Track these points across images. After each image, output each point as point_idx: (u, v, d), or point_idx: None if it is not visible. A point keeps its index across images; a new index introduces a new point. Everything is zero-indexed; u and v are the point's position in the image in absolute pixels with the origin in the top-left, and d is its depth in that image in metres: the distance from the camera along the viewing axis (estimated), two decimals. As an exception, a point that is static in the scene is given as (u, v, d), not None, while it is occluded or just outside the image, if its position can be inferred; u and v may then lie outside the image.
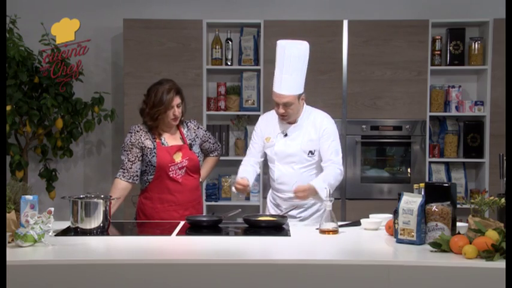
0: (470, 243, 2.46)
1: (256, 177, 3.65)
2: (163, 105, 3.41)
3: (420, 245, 2.67)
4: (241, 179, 3.48)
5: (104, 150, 5.47)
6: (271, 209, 3.67)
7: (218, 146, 3.80)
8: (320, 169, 3.54)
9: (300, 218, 3.54)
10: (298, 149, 3.51)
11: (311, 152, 3.51)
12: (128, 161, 3.45)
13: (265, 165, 3.79)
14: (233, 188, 3.59)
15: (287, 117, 3.50)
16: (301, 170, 3.51)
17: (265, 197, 4.90)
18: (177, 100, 3.45)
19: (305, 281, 2.40)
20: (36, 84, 4.93)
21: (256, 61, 5.16)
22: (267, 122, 3.65)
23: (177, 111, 3.46)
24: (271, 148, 3.57)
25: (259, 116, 5.02)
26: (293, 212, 3.52)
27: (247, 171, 3.58)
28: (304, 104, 3.58)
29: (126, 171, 3.45)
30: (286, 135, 3.55)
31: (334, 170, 3.47)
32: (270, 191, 3.73)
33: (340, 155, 3.55)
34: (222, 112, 5.19)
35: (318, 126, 3.52)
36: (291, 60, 3.44)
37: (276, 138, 3.56)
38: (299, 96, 3.48)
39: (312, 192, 3.37)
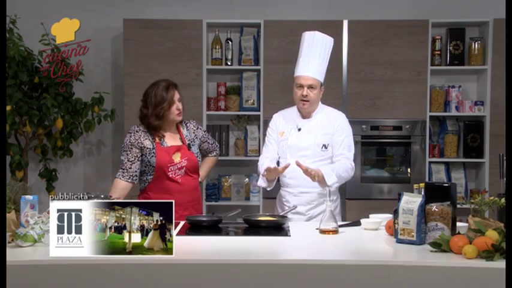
0: (470, 243, 2.46)
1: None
2: (167, 102, 3.43)
3: (420, 245, 2.67)
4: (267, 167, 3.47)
5: (104, 150, 5.47)
6: (279, 208, 3.66)
7: (217, 146, 3.81)
8: (331, 164, 3.54)
9: (308, 216, 3.54)
10: (312, 143, 3.53)
11: (324, 146, 3.53)
12: (128, 161, 3.46)
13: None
14: (259, 182, 3.58)
15: (308, 103, 3.53)
16: (313, 164, 3.49)
17: (265, 197, 4.94)
18: (177, 95, 3.50)
19: (305, 281, 2.41)
20: (36, 84, 4.93)
21: (256, 61, 5.16)
22: (282, 118, 3.69)
23: (179, 105, 3.49)
24: (285, 142, 3.59)
25: (259, 116, 5.07)
26: (301, 209, 3.52)
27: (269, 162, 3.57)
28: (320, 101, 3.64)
29: (125, 171, 3.46)
30: (299, 129, 3.57)
31: (345, 163, 3.50)
32: (280, 190, 3.71)
33: (353, 151, 3.58)
34: (222, 112, 5.20)
35: (332, 121, 3.57)
36: (318, 45, 3.53)
37: (290, 132, 3.58)
38: (321, 84, 3.55)
39: (319, 175, 3.38)
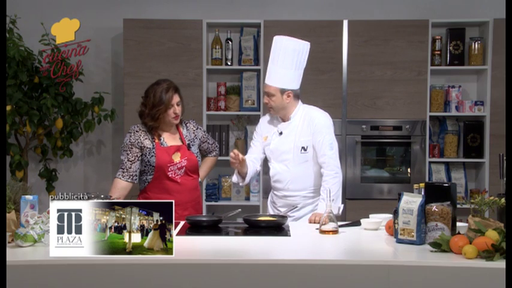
0: (470, 243, 2.46)
1: (254, 172, 3.64)
2: (164, 105, 3.42)
3: (420, 245, 2.67)
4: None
5: (104, 150, 5.47)
6: (270, 208, 3.71)
7: (216, 146, 3.81)
8: (315, 165, 3.54)
9: (293, 218, 3.55)
10: (292, 146, 3.53)
11: (304, 148, 3.52)
12: (128, 160, 3.46)
13: (265, 165, 3.80)
14: (233, 178, 3.62)
15: (271, 109, 3.56)
16: (295, 167, 3.53)
17: (265, 197, 4.94)
18: (176, 98, 3.47)
19: (305, 281, 2.41)
20: (36, 84, 4.93)
21: (256, 61, 5.16)
22: (266, 122, 3.69)
23: (177, 109, 3.47)
24: (268, 147, 3.60)
25: (259, 116, 5.07)
26: (286, 211, 3.54)
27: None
28: (300, 103, 3.60)
29: (125, 170, 3.45)
30: (281, 133, 3.57)
31: (329, 179, 3.46)
32: (270, 192, 3.75)
33: (335, 149, 3.53)
34: (222, 112, 5.20)
35: (310, 122, 3.54)
36: (280, 52, 3.49)
37: (272, 137, 3.59)
38: (282, 91, 3.50)
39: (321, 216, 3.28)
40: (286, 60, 3.48)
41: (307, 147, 3.52)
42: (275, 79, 3.51)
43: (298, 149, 3.53)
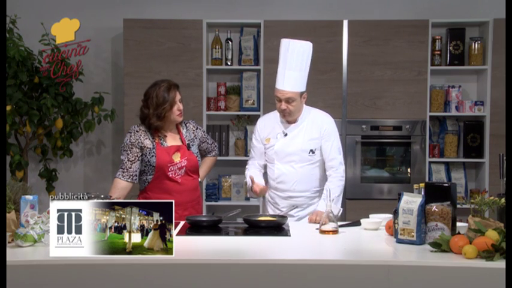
0: (470, 243, 2.46)
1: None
2: (168, 103, 3.43)
3: (420, 245, 2.67)
4: (256, 183, 3.53)
5: (103, 150, 5.48)
6: (269, 208, 3.68)
7: (216, 146, 3.81)
8: (320, 166, 3.56)
9: (297, 217, 3.55)
10: (299, 148, 3.53)
11: (312, 151, 3.53)
12: (128, 160, 3.46)
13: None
14: (248, 194, 3.69)
15: (288, 115, 3.51)
16: (301, 168, 3.54)
17: (265, 198, 4.93)
18: (178, 95, 3.50)
19: (305, 281, 2.41)
20: (36, 84, 4.94)
21: (256, 61, 5.16)
22: (266, 124, 3.67)
23: (180, 106, 3.50)
24: (271, 148, 3.58)
25: (259, 116, 5.06)
26: (291, 211, 3.55)
27: (256, 175, 3.62)
28: (304, 104, 3.60)
29: (125, 170, 3.45)
30: (286, 135, 3.56)
31: (335, 181, 3.51)
32: (268, 191, 3.73)
33: (341, 152, 3.61)
34: (222, 112, 5.20)
35: (319, 125, 3.55)
36: (294, 56, 3.46)
37: (276, 139, 3.58)
38: (301, 94, 3.50)
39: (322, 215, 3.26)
40: (299, 63, 3.46)
41: (315, 149, 3.54)
42: (294, 84, 3.46)
43: (306, 152, 3.53)
